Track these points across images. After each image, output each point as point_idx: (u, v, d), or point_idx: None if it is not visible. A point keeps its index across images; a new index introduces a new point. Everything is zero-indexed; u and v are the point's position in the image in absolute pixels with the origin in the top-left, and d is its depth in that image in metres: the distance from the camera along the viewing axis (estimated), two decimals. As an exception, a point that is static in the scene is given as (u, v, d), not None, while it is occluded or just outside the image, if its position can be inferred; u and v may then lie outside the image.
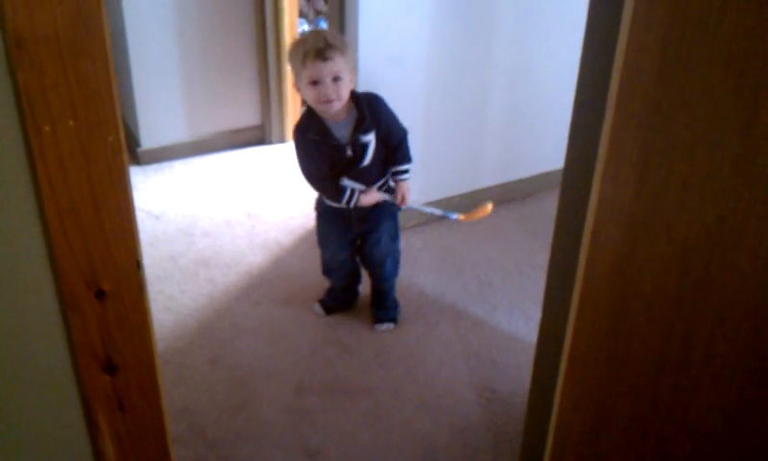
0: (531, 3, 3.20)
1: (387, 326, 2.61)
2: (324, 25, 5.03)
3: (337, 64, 2.14)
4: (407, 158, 2.43)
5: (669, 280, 1.23)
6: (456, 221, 2.67)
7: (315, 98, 2.17)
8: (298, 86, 2.24)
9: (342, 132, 2.27)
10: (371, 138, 2.28)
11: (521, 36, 3.24)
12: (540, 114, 3.45)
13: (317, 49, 2.11)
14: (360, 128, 2.25)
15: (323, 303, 2.69)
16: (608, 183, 1.22)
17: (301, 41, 2.20)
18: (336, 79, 2.15)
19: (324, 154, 2.28)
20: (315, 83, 2.15)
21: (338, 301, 2.70)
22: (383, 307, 2.65)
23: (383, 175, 2.42)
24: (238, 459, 2.04)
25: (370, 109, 2.26)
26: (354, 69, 2.25)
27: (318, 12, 5.22)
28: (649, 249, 1.23)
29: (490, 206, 2.62)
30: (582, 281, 1.33)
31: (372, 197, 2.36)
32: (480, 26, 3.11)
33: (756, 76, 1.02)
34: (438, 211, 2.64)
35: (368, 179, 2.35)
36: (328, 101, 2.16)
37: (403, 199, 2.43)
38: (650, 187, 1.18)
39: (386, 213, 2.47)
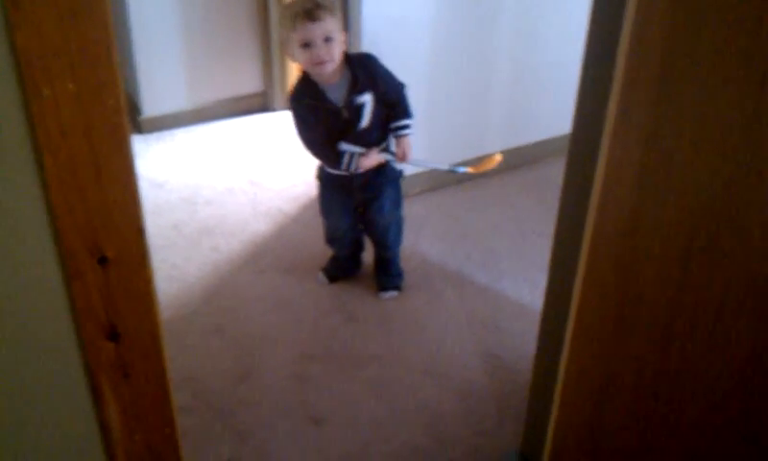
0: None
1: (391, 293, 2.60)
2: None
3: (327, 24, 2.11)
4: (407, 113, 2.38)
5: (677, 244, 1.22)
6: (465, 174, 2.65)
7: (308, 60, 2.15)
8: (290, 53, 2.21)
9: (336, 94, 2.24)
10: (366, 99, 2.25)
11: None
12: (547, 79, 3.42)
13: (306, 10, 2.09)
14: (354, 89, 2.23)
15: (326, 271, 2.68)
16: (616, 146, 1.20)
17: (290, 5, 2.17)
18: (327, 39, 2.12)
19: (321, 118, 2.26)
20: (306, 45, 2.12)
21: (341, 269, 2.69)
22: (387, 275, 2.64)
23: (384, 138, 2.39)
24: (243, 427, 2.04)
25: (364, 70, 2.24)
26: (345, 30, 2.21)
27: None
28: (657, 212, 1.21)
29: (498, 157, 2.59)
30: (589, 246, 1.32)
31: (372, 159, 2.33)
32: (485, -10, 3.07)
33: (769, 36, 1.00)
34: (444, 166, 2.60)
35: (367, 141, 2.32)
36: (321, 62, 2.14)
37: (404, 155, 2.38)
38: (659, 150, 1.16)
39: (388, 179, 2.45)
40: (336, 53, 2.16)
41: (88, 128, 0.95)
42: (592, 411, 1.49)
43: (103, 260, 1.03)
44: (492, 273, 2.75)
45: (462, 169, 2.58)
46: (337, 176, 2.39)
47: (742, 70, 1.04)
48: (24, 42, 0.88)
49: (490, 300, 2.60)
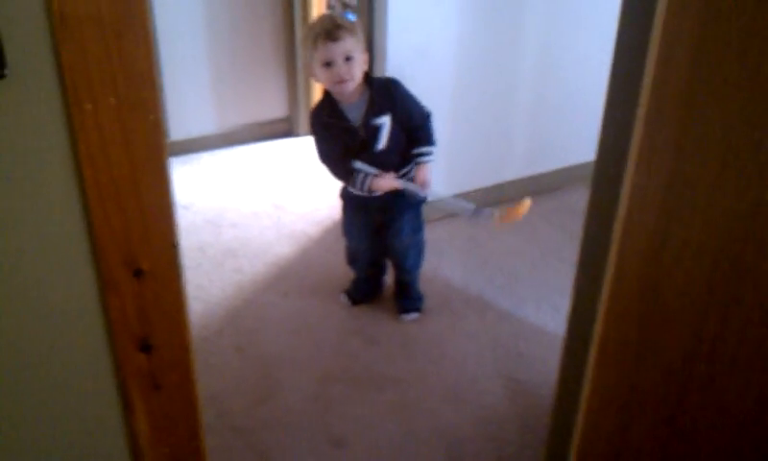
0: (560, -6, 3.18)
1: (412, 316, 2.61)
2: (352, 18, 5.02)
3: (348, 44, 2.14)
4: (429, 141, 2.39)
5: (703, 268, 1.22)
6: (491, 221, 2.39)
7: (329, 79, 2.18)
8: (313, 72, 2.24)
9: (354, 113, 2.27)
10: (384, 121, 2.27)
11: (550, 27, 3.23)
12: (569, 106, 3.43)
13: (326, 30, 2.13)
14: (372, 110, 2.25)
15: (348, 293, 2.70)
16: (641, 171, 1.21)
17: (311, 26, 2.22)
18: (348, 58, 2.15)
19: (337, 135, 2.29)
20: (328, 64, 2.15)
21: (363, 291, 2.71)
22: (407, 297, 2.66)
23: (405, 163, 2.40)
24: (265, 446, 2.05)
25: (384, 92, 2.26)
26: (366, 49, 2.24)
27: (345, 5, 5.22)
28: (683, 236, 1.22)
29: (528, 202, 2.34)
30: (613, 271, 1.32)
31: (387, 183, 2.31)
32: (508, 16, 3.10)
33: (795, 59, 1.01)
34: (469, 207, 2.43)
35: (385, 164, 2.32)
36: (342, 81, 2.17)
37: (423, 183, 2.36)
38: (685, 173, 1.17)
39: (407, 204, 2.45)
40: (357, 72, 2.19)
41: (128, 142, 0.98)
42: (615, 436, 1.49)
43: (138, 273, 1.06)
44: (513, 298, 2.75)
45: (488, 212, 2.38)
46: (357, 196, 2.40)
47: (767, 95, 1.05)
48: (69, 58, 0.91)
49: (511, 324, 2.60)
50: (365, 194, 2.34)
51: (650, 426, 1.43)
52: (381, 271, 2.71)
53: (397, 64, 2.83)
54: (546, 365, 2.36)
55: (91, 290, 1.06)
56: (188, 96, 3.88)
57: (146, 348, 1.12)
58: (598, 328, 1.39)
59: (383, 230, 2.52)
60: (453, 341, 2.51)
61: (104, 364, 1.12)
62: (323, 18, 2.22)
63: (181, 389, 1.19)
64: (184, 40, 3.75)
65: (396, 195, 2.40)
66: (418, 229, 2.54)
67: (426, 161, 2.39)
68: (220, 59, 3.90)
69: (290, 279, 2.85)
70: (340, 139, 2.29)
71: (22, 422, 1.11)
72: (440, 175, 3.20)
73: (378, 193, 2.35)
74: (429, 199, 2.44)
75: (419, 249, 2.59)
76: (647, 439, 1.45)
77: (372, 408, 2.20)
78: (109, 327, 1.08)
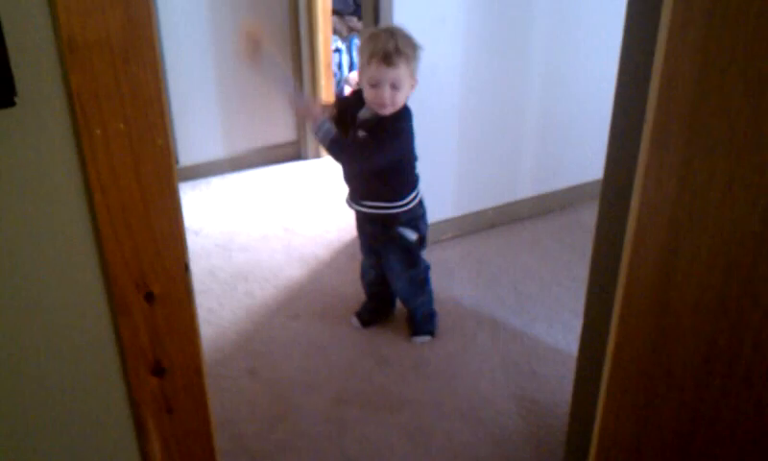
0: (566, 11, 3.19)
1: (423, 338, 2.60)
2: (358, 42, 5.06)
3: (400, 72, 2.13)
4: (394, 194, 2.36)
5: (714, 281, 1.22)
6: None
7: (371, 98, 2.18)
8: (360, 80, 2.24)
9: (362, 113, 2.28)
10: (362, 135, 2.27)
11: (556, 46, 3.24)
12: (577, 124, 3.44)
13: (385, 52, 2.11)
14: (364, 123, 2.26)
15: (359, 315, 2.69)
16: (650, 186, 1.21)
17: (374, 37, 2.17)
18: (395, 86, 2.15)
19: (338, 119, 2.30)
20: (374, 85, 2.15)
21: (371, 311, 2.71)
22: (414, 322, 2.64)
23: (370, 196, 2.37)
24: (279, 470, 2.05)
25: (389, 120, 2.22)
26: (415, 74, 2.22)
27: (351, 29, 5.26)
28: (693, 250, 1.21)
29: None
30: (624, 286, 1.32)
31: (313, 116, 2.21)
32: (514, 35, 3.12)
33: (803, 70, 1.01)
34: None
35: (349, 176, 2.36)
36: (382, 105, 2.17)
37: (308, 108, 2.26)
38: (693, 187, 1.17)
39: (393, 242, 2.44)
40: (399, 100, 2.18)
41: (137, 166, 0.99)
42: (632, 453, 1.48)
43: (150, 297, 1.06)
44: (525, 317, 2.74)
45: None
46: (355, 212, 2.43)
47: (776, 106, 1.05)
48: (78, 84, 0.92)
49: (524, 343, 2.59)
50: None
51: (666, 443, 1.42)
52: (389, 291, 2.70)
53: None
54: (560, 384, 2.35)
55: (103, 314, 1.06)
56: (197, 121, 3.91)
57: (159, 371, 1.12)
58: (611, 346, 1.38)
59: (378, 256, 2.54)
60: (466, 361, 2.50)
61: (117, 388, 1.12)
62: (386, 35, 2.15)
63: (194, 412, 1.19)
64: (192, 66, 3.78)
65: (383, 229, 2.42)
66: (409, 265, 2.51)
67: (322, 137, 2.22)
68: (228, 84, 3.93)
69: (301, 301, 2.85)
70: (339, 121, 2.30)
71: (36, 445, 1.11)
72: (449, 194, 3.22)
73: (359, 209, 2.41)
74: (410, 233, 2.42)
75: (413, 282, 2.56)
76: (663, 455, 1.44)
77: (386, 430, 2.19)
78: (122, 350, 1.09)
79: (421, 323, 2.62)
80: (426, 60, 2.89)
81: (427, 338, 2.60)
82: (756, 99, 1.06)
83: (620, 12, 1.31)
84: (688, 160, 1.15)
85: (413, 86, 2.23)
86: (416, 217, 2.41)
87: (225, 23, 3.80)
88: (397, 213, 2.37)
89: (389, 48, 2.11)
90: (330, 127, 2.20)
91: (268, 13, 3.92)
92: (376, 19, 2.82)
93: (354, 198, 2.41)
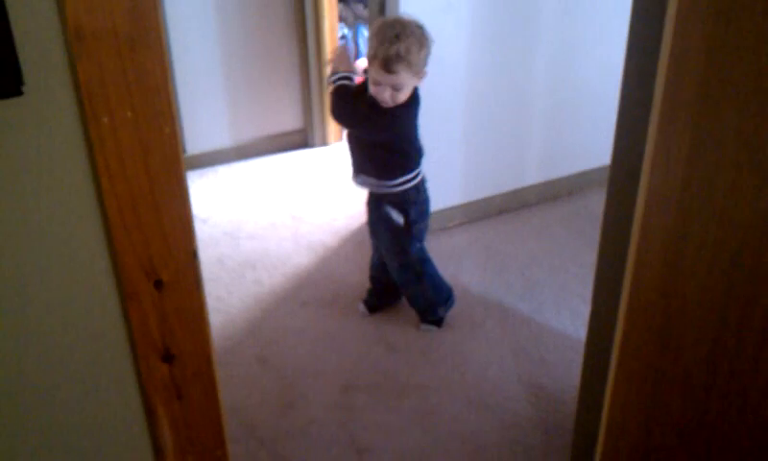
0: (572, -1, 3.18)
1: (426, 326, 2.61)
2: (364, 30, 5.05)
3: (400, 77, 2.15)
4: (384, 172, 2.38)
5: (722, 266, 1.21)
6: None
7: (373, 93, 2.21)
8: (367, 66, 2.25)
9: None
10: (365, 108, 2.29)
11: (563, 32, 3.22)
12: (584, 111, 3.43)
13: (386, 57, 2.11)
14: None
15: (366, 301, 2.70)
16: (657, 172, 1.21)
17: (380, 33, 2.16)
18: (395, 88, 2.17)
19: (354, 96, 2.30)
20: (376, 84, 2.18)
21: (376, 297, 2.71)
22: (416, 310, 2.65)
23: (364, 168, 2.40)
24: (289, 456, 2.05)
25: (397, 107, 2.24)
26: (422, 70, 2.21)
27: (357, 17, 5.24)
28: (701, 236, 1.21)
29: None
30: (632, 273, 1.31)
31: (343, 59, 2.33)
32: (521, 22, 3.11)
33: (812, 53, 1.00)
34: None
35: (355, 153, 2.41)
36: (383, 102, 2.20)
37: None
38: (700, 174, 1.17)
39: (382, 222, 2.46)
40: (401, 99, 2.20)
41: (145, 154, 0.99)
42: (640, 440, 1.48)
43: (158, 284, 1.06)
44: (533, 303, 2.75)
45: None
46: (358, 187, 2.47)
47: (783, 89, 1.05)
48: (85, 72, 0.92)
49: (532, 330, 2.59)
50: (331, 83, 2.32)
51: (674, 429, 1.42)
52: (391, 278, 2.69)
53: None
54: (568, 370, 2.35)
55: (113, 302, 1.07)
56: (203, 110, 3.91)
57: (168, 358, 1.12)
58: (619, 331, 1.38)
59: None
60: (474, 347, 2.50)
61: (127, 375, 1.13)
62: (391, 36, 2.13)
63: (204, 399, 1.20)
64: (198, 55, 3.78)
65: (373, 207, 2.46)
66: (397, 253, 2.50)
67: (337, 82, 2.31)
68: (234, 72, 3.93)
69: (309, 289, 2.86)
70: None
71: (47, 432, 1.12)
72: (457, 181, 3.22)
73: (356, 181, 2.44)
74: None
75: (404, 271, 2.54)
76: (671, 442, 1.44)
77: (396, 416, 2.20)
78: (132, 338, 1.09)
79: (423, 312, 2.62)
80: (434, 51, 2.89)
81: (430, 327, 2.61)
82: (765, 84, 1.05)
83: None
84: (696, 146, 1.14)
85: (422, 78, 2.24)
86: (406, 201, 2.40)
87: (231, 12, 3.80)
88: (386, 193, 2.38)
89: (390, 54, 2.11)
90: (343, 78, 2.27)
91: (273, 1, 3.91)
92: (382, 7, 2.81)
93: (354, 171, 2.44)
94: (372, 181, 2.39)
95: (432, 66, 2.76)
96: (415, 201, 2.42)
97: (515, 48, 3.14)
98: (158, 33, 0.96)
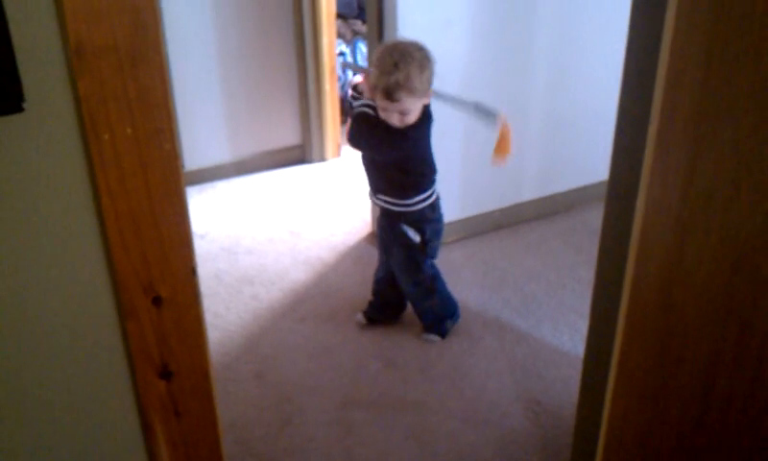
0: (569, 13, 3.20)
1: (431, 336, 2.62)
2: (362, 46, 5.06)
3: (404, 104, 2.17)
4: (400, 193, 2.40)
5: (720, 281, 1.22)
6: (493, 125, 2.33)
7: (383, 117, 2.24)
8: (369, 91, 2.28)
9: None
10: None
11: (560, 49, 3.24)
12: (581, 126, 3.44)
13: (387, 88, 2.14)
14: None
15: (366, 312, 2.71)
16: (655, 186, 1.21)
17: (380, 63, 2.17)
18: (402, 113, 2.19)
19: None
20: (384, 110, 2.21)
21: (376, 311, 2.71)
22: (422, 321, 2.67)
23: (381, 189, 2.42)
24: (285, 473, 2.05)
25: (407, 128, 2.25)
26: (427, 91, 2.23)
27: (355, 33, 5.26)
28: (699, 250, 1.21)
29: (502, 117, 2.32)
30: (630, 287, 1.32)
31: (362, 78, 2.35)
32: (518, 38, 3.12)
33: (808, 70, 1.01)
34: (470, 103, 2.33)
35: (371, 171, 2.43)
36: (393, 125, 2.22)
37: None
38: (698, 188, 1.17)
39: (397, 239, 2.48)
40: (410, 120, 2.23)
41: (145, 171, 0.99)
42: (639, 454, 1.48)
43: (157, 300, 1.06)
44: (531, 319, 2.74)
45: (491, 112, 2.32)
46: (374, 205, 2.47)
47: (780, 106, 1.05)
48: (86, 89, 0.93)
49: (530, 346, 2.59)
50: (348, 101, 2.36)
51: (673, 443, 1.42)
52: (397, 294, 2.69)
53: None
54: (566, 386, 2.35)
55: (111, 318, 1.07)
56: (202, 126, 3.92)
57: (166, 374, 1.12)
58: (617, 348, 1.38)
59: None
60: (472, 363, 2.50)
61: (125, 391, 1.13)
62: (391, 65, 2.14)
63: (202, 416, 1.19)
64: (197, 70, 3.80)
65: (387, 225, 2.48)
66: (410, 270, 2.53)
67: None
68: (232, 87, 3.94)
69: (307, 304, 2.86)
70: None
71: (44, 448, 1.12)
72: (455, 196, 3.22)
73: (375, 201, 2.47)
74: (432, 97, 2.32)
75: (417, 287, 2.57)
76: (670, 457, 1.43)
77: (393, 432, 2.19)
78: (130, 354, 1.09)
79: (431, 324, 2.64)
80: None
81: (435, 338, 2.62)
82: (762, 99, 1.06)
83: (625, 13, 1.31)
84: (694, 161, 1.15)
85: (429, 97, 2.27)
86: (422, 220, 2.42)
87: (230, 28, 3.81)
88: (403, 211, 2.40)
89: (390, 84, 2.13)
90: (366, 105, 2.29)
91: (272, 17, 3.93)
92: (380, 23, 2.82)
93: (372, 190, 2.47)
94: (390, 200, 2.41)
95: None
96: (431, 219, 2.45)
97: (513, 64, 3.15)
98: (159, 49, 0.96)
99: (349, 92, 2.37)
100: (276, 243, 3.35)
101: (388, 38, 2.80)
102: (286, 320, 2.75)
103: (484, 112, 2.33)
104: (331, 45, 4.10)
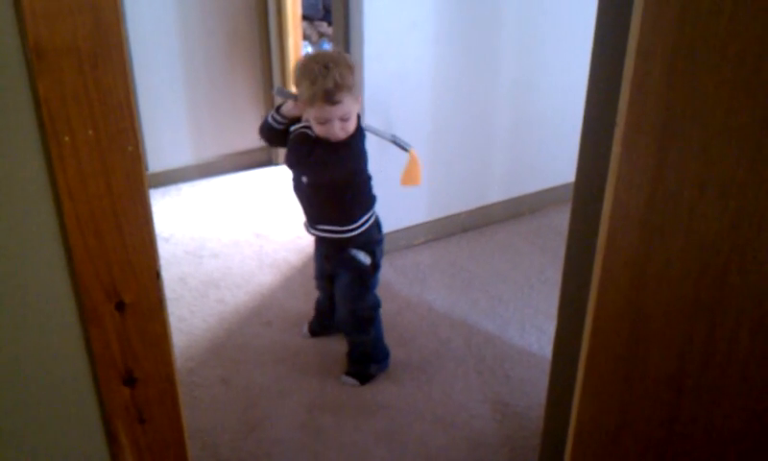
0: (535, 16, 3.21)
1: (349, 380, 2.44)
2: (327, 47, 5.05)
3: (346, 106, 2.06)
4: (346, 217, 2.28)
5: (687, 283, 1.22)
6: (407, 153, 2.41)
7: (322, 133, 2.10)
8: (304, 113, 2.15)
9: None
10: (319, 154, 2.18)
11: (526, 51, 3.26)
12: (547, 128, 3.46)
13: (326, 91, 2.02)
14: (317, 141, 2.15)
15: (309, 324, 2.68)
16: (621, 188, 1.21)
17: (308, 73, 2.06)
18: (343, 118, 2.08)
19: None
20: (323, 123, 2.08)
21: (318, 323, 2.66)
22: (349, 358, 2.50)
23: (324, 218, 2.30)
24: (253, 478, 2.03)
25: (341, 144, 2.14)
26: (359, 91, 2.15)
27: (321, 35, 5.25)
28: (665, 253, 1.22)
29: (412, 153, 2.40)
30: (597, 289, 1.32)
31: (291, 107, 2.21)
32: (484, 41, 3.13)
33: (771, 72, 1.02)
34: (388, 135, 2.39)
35: (309, 198, 2.29)
36: (335, 137, 2.10)
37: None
38: (665, 190, 1.18)
39: (345, 265, 2.34)
40: (350, 128, 2.11)
41: (107, 173, 0.97)
42: (607, 454, 1.48)
43: (120, 305, 1.04)
44: (498, 320, 2.75)
45: (404, 143, 2.40)
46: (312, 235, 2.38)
47: (745, 109, 1.06)
48: (46, 90, 0.91)
49: (497, 347, 2.59)
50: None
51: (641, 444, 1.43)
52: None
53: (374, 90, 2.84)
54: (534, 387, 2.36)
55: (74, 324, 1.05)
56: (166, 128, 3.87)
57: (130, 381, 1.10)
58: (585, 348, 1.39)
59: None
60: (440, 366, 2.50)
61: (88, 398, 1.11)
62: (322, 70, 2.03)
63: (167, 422, 1.17)
64: (160, 71, 3.75)
65: (337, 250, 2.34)
66: (356, 297, 2.38)
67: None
68: (197, 89, 3.90)
69: (273, 308, 2.83)
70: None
71: (6, 457, 1.09)
72: (422, 199, 3.23)
73: (315, 233, 2.35)
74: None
75: (357, 317, 2.40)
76: (639, 457, 1.44)
77: (361, 435, 2.18)
78: (93, 361, 1.07)
79: (355, 363, 2.47)
80: (397, 65, 2.90)
81: (354, 382, 2.43)
82: (728, 102, 1.07)
83: (591, 16, 1.32)
84: (660, 163, 1.15)
85: (359, 106, 2.17)
86: (371, 241, 2.32)
87: (194, 29, 3.77)
88: (351, 237, 2.28)
89: (329, 86, 2.02)
90: (305, 127, 2.15)
91: (237, 18, 3.90)
92: (347, 25, 2.81)
93: (310, 222, 2.34)
94: (334, 228, 2.29)
95: (396, 84, 2.77)
96: (378, 240, 2.34)
97: (479, 66, 3.16)
98: (121, 50, 0.95)
99: (270, 116, 2.25)
100: (241, 246, 3.32)
101: (354, 35, 2.78)
102: (252, 324, 2.73)
103: (399, 145, 2.39)
104: (297, 47, 4.08)
